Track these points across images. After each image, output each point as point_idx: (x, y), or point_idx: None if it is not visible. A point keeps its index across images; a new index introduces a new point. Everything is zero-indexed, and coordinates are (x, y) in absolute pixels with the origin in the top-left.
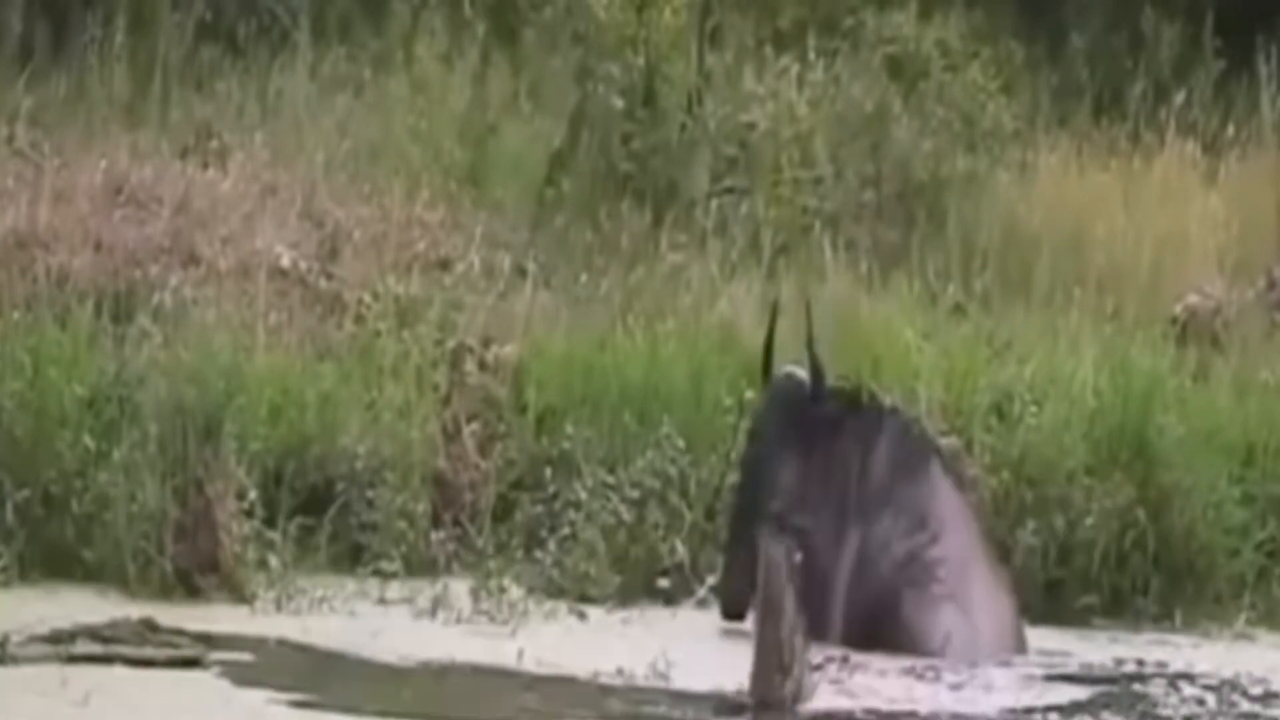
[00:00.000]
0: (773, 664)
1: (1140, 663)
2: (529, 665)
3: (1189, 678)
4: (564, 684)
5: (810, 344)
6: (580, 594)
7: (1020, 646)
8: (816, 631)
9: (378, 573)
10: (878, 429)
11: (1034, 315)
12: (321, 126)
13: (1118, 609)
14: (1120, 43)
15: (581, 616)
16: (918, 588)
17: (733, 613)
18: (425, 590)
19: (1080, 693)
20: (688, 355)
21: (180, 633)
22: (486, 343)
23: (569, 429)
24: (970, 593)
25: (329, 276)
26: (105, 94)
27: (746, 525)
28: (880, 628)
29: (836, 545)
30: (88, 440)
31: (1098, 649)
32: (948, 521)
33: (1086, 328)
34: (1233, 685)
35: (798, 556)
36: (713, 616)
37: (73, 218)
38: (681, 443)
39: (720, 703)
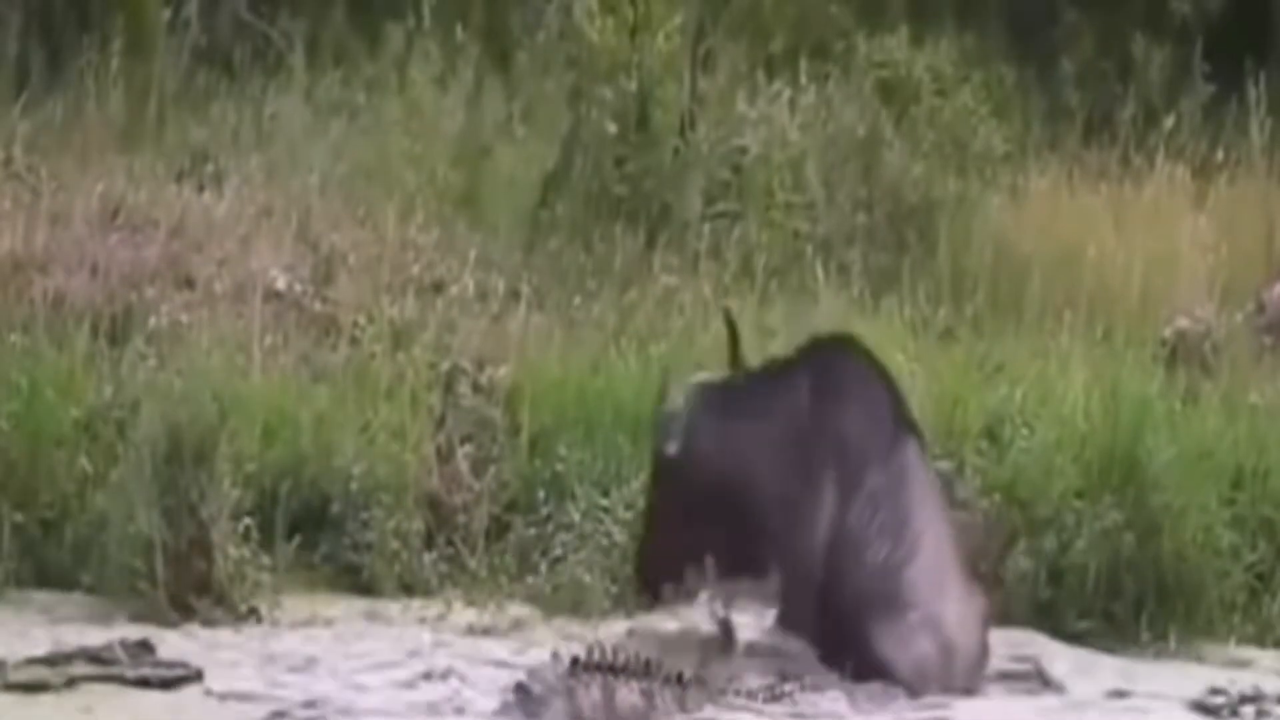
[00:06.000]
0: None
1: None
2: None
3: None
4: None
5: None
6: (574, 613)
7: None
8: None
9: (371, 593)
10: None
11: (1025, 338)
12: (316, 150)
13: (1111, 631)
14: (1110, 67)
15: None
16: (891, 612)
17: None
18: (419, 610)
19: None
20: (681, 377)
21: (176, 654)
22: (480, 365)
23: (562, 451)
24: (945, 612)
25: (324, 299)
26: (101, 118)
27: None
28: (848, 657)
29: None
30: (84, 462)
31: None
32: (926, 526)
33: (1077, 350)
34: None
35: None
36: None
37: (69, 240)
38: None
39: None
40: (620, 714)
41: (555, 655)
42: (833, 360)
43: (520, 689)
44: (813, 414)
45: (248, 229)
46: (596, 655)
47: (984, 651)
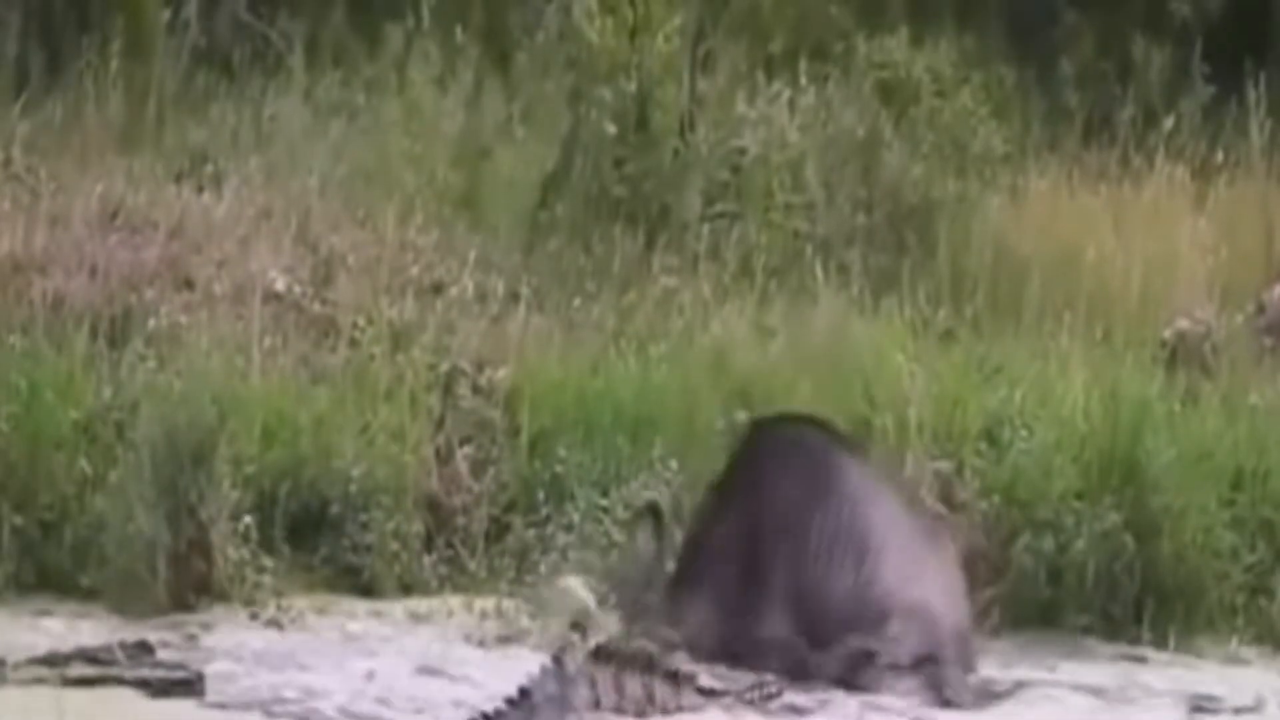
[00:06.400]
0: None
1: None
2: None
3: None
4: None
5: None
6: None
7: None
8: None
9: (371, 594)
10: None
11: (1024, 339)
12: (316, 151)
13: (1110, 632)
14: (1110, 68)
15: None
16: (872, 629)
17: None
18: (419, 611)
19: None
20: (680, 378)
21: (175, 655)
22: (480, 366)
23: (562, 452)
24: (927, 593)
25: (323, 300)
26: (100, 119)
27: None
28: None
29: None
30: (84, 464)
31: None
32: (887, 533)
33: (1077, 351)
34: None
35: None
36: None
37: (68, 242)
38: (674, 465)
39: None
40: (627, 703)
41: (583, 637)
42: (752, 456)
43: (556, 662)
44: (752, 518)
45: (247, 230)
46: (613, 644)
47: (970, 616)
